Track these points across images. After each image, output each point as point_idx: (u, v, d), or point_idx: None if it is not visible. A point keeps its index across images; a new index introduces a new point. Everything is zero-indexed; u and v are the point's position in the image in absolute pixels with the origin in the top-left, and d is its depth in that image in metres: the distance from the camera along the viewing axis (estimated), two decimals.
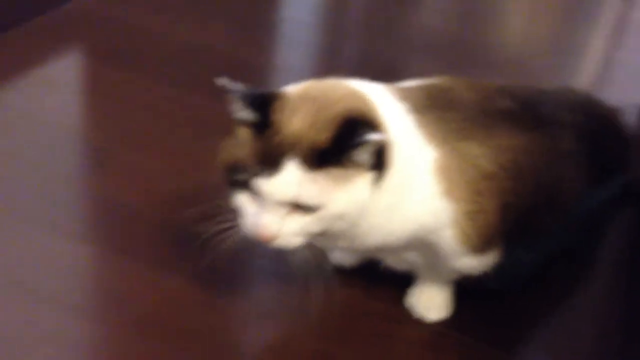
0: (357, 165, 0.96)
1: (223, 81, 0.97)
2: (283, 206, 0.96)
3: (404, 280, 1.22)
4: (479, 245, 1.08)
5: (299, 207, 0.96)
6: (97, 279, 1.24)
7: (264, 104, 0.97)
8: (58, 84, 1.62)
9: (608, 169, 1.35)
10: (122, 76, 1.64)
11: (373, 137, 0.93)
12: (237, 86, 0.97)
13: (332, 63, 1.87)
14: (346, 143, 0.94)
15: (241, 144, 0.98)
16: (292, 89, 1.01)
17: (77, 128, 1.52)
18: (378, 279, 1.22)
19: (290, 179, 0.94)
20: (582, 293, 1.30)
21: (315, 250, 1.02)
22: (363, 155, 0.95)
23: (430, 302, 1.20)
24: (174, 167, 1.41)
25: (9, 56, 1.65)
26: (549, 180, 1.16)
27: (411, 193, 1.03)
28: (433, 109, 1.07)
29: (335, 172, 0.95)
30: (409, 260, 1.15)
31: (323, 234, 1.00)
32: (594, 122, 1.31)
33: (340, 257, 1.24)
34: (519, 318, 1.23)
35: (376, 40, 1.98)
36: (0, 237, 1.24)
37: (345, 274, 1.24)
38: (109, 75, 1.65)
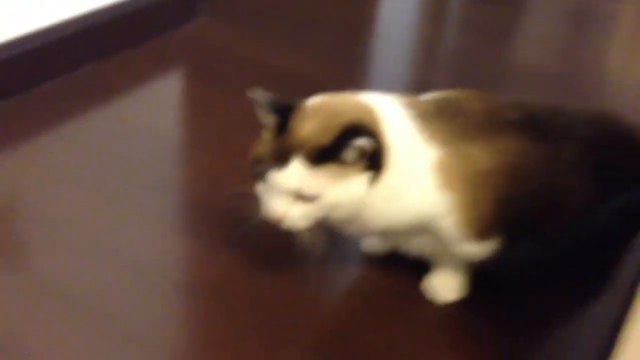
0: (353, 165, 1.16)
1: (252, 92, 1.20)
2: (289, 195, 1.18)
3: (426, 267, 1.40)
4: (477, 233, 1.25)
5: (302, 196, 1.17)
6: (169, 253, 1.50)
7: (284, 112, 1.19)
8: (160, 100, 1.98)
9: (624, 181, 1.47)
10: (211, 94, 1.98)
11: (359, 141, 1.14)
12: (263, 96, 1.20)
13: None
14: (340, 145, 1.14)
15: (264, 143, 1.21)
16: (311, 101, 1.22)
17: (170, 135, 1.85)
18: (405, 265, 1.40)
19: (294, 173, 1.16)
20: (599, 303, 1.42)
21: (317, 233, 1.23)
22: (350, 155, 1.15)
23: (439, 286, 1.37)
24: (234, 165, 1.65)
25: (123, 74, 2.02)
26: (550, 185, 1.30)
27: (410, 187, 1.21)
28: (440, 116, 1.25)
29: (334, 169, 1.16)
30: (419, 246, 1.33)
31: (329, 219, 1.21)
32: (608, 138, 1.43)
33: (370, 243, 1.45)
34: (530, 312, 1.38)
35: (468, 76, 2.15)
36: (93, 213, 1.55)
37: (374, 259, 1.44)
38: (201, 92, 2.00)
